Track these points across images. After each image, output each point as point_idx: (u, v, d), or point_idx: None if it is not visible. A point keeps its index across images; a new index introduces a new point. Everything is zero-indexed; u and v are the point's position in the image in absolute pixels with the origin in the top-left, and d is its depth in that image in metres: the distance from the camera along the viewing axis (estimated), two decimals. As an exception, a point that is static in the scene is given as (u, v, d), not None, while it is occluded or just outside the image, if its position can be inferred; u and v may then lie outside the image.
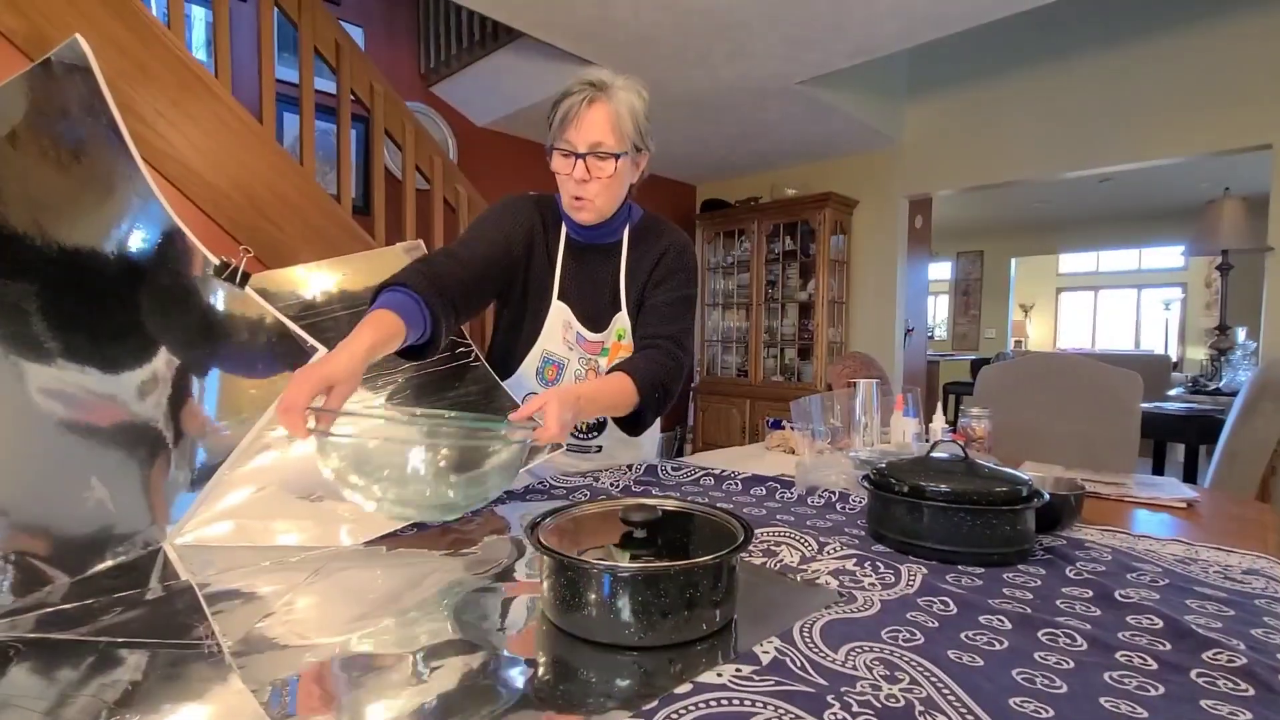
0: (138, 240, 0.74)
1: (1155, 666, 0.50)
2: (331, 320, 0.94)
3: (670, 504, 0.69)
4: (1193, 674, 0.48)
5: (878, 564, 0.71)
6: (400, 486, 0.67)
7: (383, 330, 0.77)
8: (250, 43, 3.15)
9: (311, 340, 0.89)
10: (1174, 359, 7.29)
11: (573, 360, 1.16)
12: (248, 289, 0.84)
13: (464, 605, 0.61)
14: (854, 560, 0.72)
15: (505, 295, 1.17)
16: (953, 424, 1.48)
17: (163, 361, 0.76)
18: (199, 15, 3.24)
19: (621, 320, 1.16)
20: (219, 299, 0.81)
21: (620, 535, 0.61)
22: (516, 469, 0.75)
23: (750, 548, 0.76)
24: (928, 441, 1.31)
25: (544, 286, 1.14)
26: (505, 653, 0.52)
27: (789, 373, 4.94)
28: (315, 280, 0.94)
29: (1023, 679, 0.48)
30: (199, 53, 3.17)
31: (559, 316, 1.14)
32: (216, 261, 0.80)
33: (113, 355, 0.72)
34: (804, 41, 3.04)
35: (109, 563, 0.69)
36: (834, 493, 1.01)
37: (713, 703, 0.43)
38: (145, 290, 0.74)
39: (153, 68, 1.97)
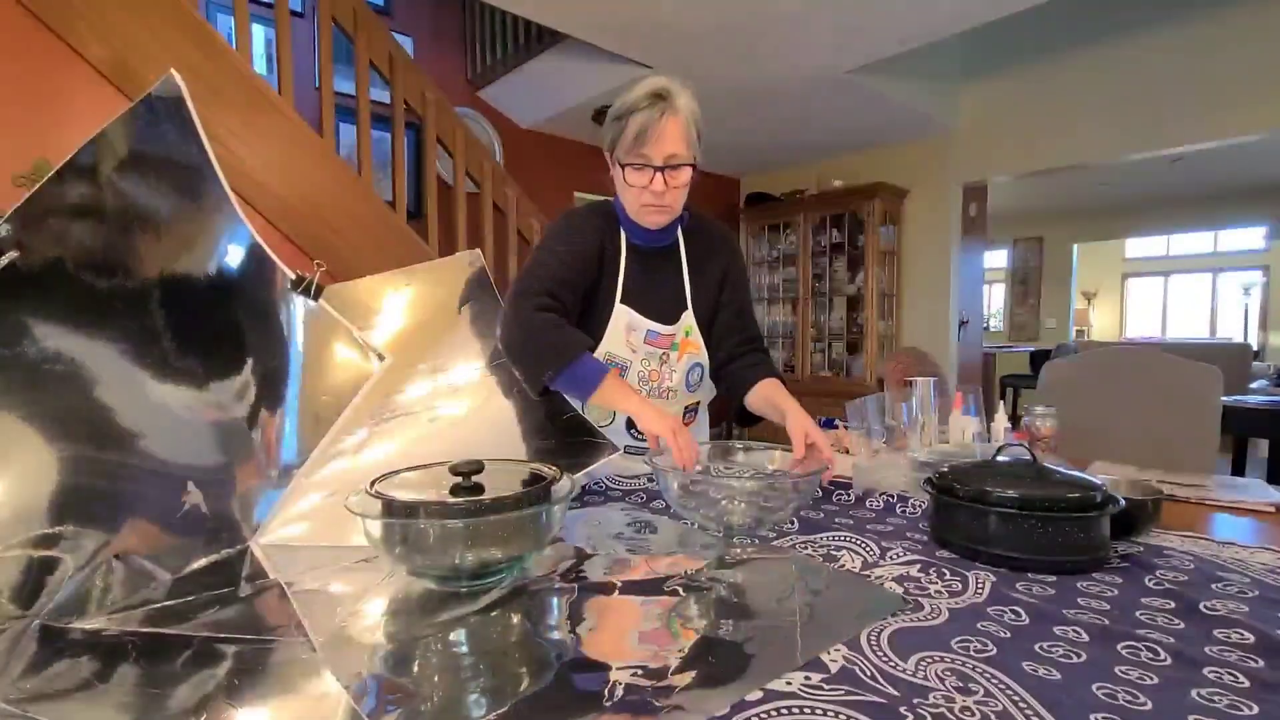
0: (229, 261, 0.79)
1: (1248, 684, 0.48)
2: (398, 329, 0.98)
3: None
4: (1289, 693, 0.46)
5: (943, 570, 0.70)
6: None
7: None
8: (305, 57, 3.28)
9: (376, 349, 0.93)
10: (1255, 347, 6.84)
11: (635, 361, 1.20)
12: (320, 301, 0.88)
13: (534, 606, 0.63)
14: (918, 566, 0.71)
15: None
16: (1013, 420, 1.43)
17: (251, 371, 0.81)
18: (256, 31, 3.39)
19: (688, 318, 1.22)
20: (296, 312, 0.85)
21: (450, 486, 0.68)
22: None
23: (809, 551, 0.76)
24: (989, 441, 1.28)
25: (609, 291, 1.19)
26: (575, 654, 0.54)
27: (837, 368, 4.86)
28: (381, 291, 0.98)
29: (1103, 694, 0.46)
30: (255, 66, 3.32)
31: (621, 319, 1.18)
32: (293, 276, 0.84)
33: (209, 368, 0.77)
34: (853, 29, 2.97)
35: (203, 561, 0.74)
36: (893, 495, 1.00)
37: (784, 710, 0.44)
38: (235, 306, 0.80)
39: (224, 89, 2.07)
